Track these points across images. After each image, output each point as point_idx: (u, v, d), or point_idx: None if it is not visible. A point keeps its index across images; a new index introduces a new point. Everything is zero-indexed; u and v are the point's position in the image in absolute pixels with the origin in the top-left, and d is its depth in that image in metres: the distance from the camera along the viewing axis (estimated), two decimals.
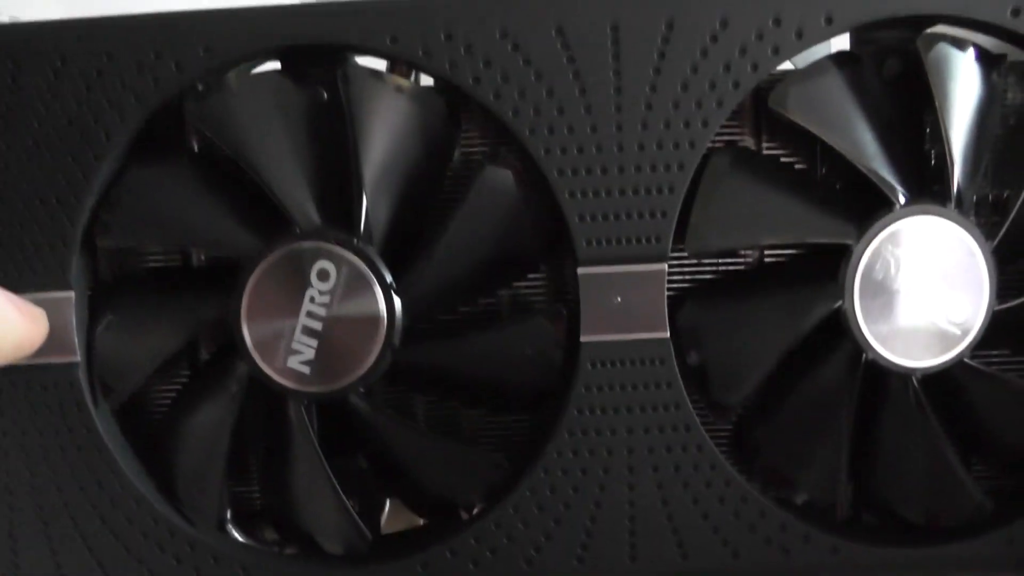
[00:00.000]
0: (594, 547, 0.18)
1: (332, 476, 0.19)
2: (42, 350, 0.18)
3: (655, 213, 0.18)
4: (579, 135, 0.18)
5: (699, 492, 0.18)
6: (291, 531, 0.20)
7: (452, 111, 0.20)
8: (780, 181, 0.20)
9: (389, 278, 0.18)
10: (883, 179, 0.19)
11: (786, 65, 0.19)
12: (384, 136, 0.19)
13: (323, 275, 0.18)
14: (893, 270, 0.18)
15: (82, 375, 0.18)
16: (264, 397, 0.19)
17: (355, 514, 0.19)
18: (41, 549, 0.18)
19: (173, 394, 0.21)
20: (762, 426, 0.20)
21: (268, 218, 0.19)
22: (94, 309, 0.19)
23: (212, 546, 0.19)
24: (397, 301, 0.18)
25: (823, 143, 0.19)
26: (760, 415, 0.20)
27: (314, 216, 0.19)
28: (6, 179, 0.18)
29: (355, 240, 0.18)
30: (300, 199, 0.19)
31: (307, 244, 0.18)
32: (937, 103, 0.18)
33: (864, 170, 0.19)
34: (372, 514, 0.21)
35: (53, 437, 0.18)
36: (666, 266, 0.18)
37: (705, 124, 0.17)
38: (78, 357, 0.18)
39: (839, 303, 0.18)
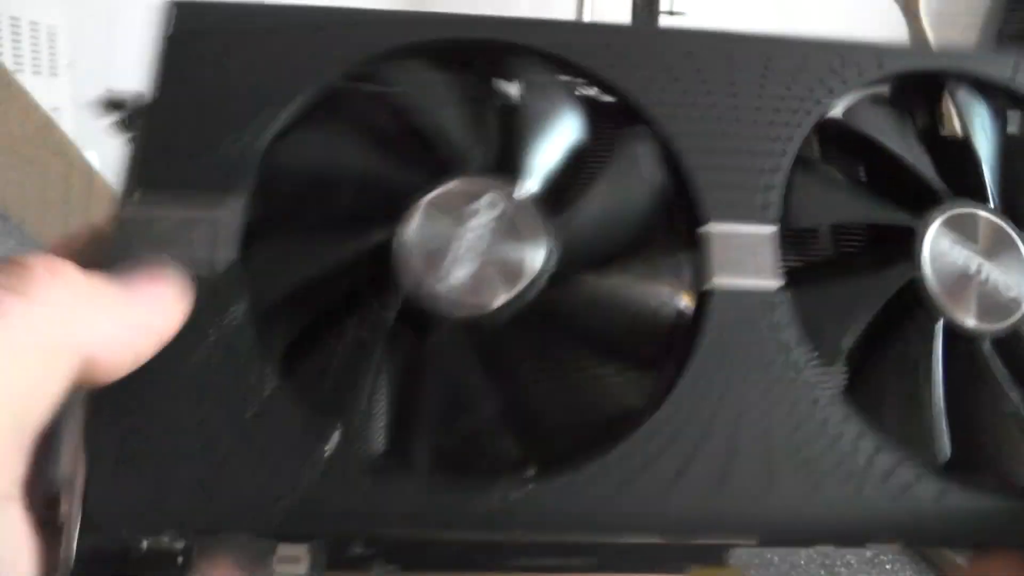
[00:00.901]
0: (734, 473, 0.20)
1: (479, 390, 0.20)
2: (202, 248, 0.20)
3: (767, 187, 0.22)
4: (707, 124, 0.23)
5: (815, 429, 0.20)
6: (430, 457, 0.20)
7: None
8: (849, 178, 0.25)
9: (544, 217, 0.21)
10: (932, 178, 0.24)
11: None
12: (542, 109, 0.23)
13: (481, 208, 0.20)
14: (951, 248, 0.22)
15: (237, 273, 0.20)
16: (414, 327, 0.20)
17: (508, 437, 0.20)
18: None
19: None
20: (854, 390, 0.22)
21: (432, 161, 0.21)
22: (261, 221, 0.21)
23: (348, 449, 0.19)
24: (549, 239, 0.21)
25: (871, 157, 0.24)
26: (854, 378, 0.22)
27: (477, 160, 0.21)
28: (202, 110, 0.21)
29: (517, 182, 0.21)
30: (465, 144, 0.22)
31: (469, 180, 0.21)
32: (967, 130, 0.24)
33: (915, 168, 0.23)
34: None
35: (194, 324, 0.19)
36: (777, 228, 0.22)
37: (799, 125, 0.23)
38: (235, 256, 0.20)
39: (915, 274, 0.22)
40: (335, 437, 0.19)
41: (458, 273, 0.20)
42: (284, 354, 0.20)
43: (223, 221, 0.20)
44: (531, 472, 0.20)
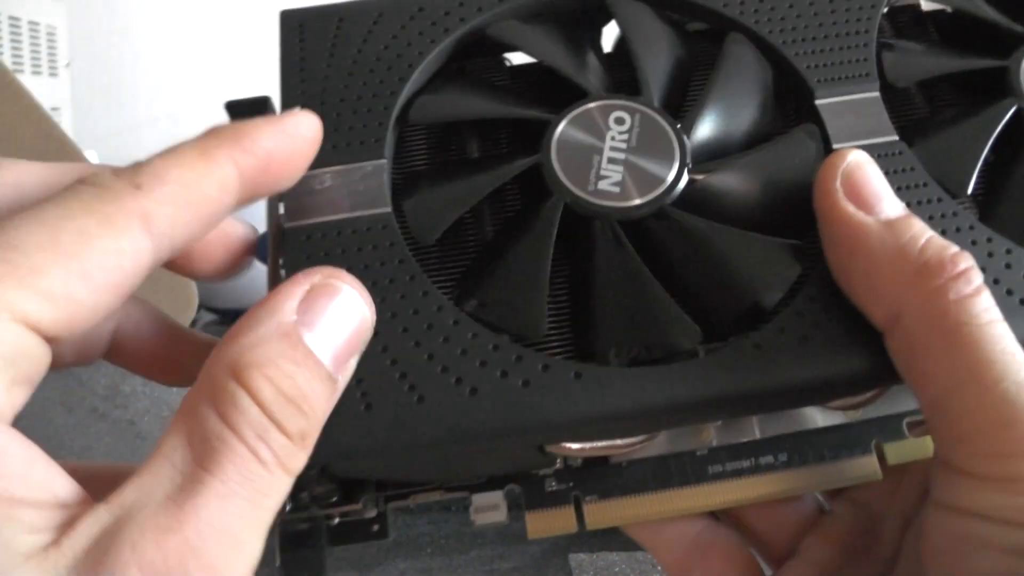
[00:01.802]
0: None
1: (654, 279, 0.21)
2: (358, 205, 0.22)
3: (861, 59, 0.24)
4: (795, 16, 0.25)
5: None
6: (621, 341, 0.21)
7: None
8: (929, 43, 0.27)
9: (672, 120, 0.22)
10: (1007, 22, 0.25)
11: None
12: (648, 28, 0.25)
13: (620, 121, 0.22)
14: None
15: (393, 221, 0.21)
16: (571, 231, 0.22)
17: (680, 311, 0.21)
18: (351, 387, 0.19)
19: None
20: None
21: (558, 101, 0.23)
22: (403, 179, 0.23)
23: (540, 356, 0.20)
24: (683, 136, 0.22)
25: (943, 28, 0.27)
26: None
27: (599, 88, 0.23)
28: (339, 84, 0.24)
29: (639, 98, 0.23)
30: (588, 78, 0.24)
31: (605, 100, 0.23)
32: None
33: (990, 16, 0.25)
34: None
35: (371, 274, 0.21)
36: (878, 92, 0.23)
37: (873, 5, 0.24)
38: (389, 208, 0.22)
39: (1020, 103, 0.23)
40: (525, 350, 0.20)
41: (604, 182, 0.21)
42: (458, 286, 0.21)
43: (372, 175, 0.22)
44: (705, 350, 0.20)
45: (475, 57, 0.25)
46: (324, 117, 0.22)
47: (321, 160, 0.21)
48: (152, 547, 0.14)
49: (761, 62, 0.24)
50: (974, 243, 0.21)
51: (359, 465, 0.20)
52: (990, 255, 0.21)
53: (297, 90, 0.24)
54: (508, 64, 0.26)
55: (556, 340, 0.21)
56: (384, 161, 0.22)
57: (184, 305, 0.58)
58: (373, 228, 0.21)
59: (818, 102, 0.23)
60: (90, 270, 0.15)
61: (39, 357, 0.15)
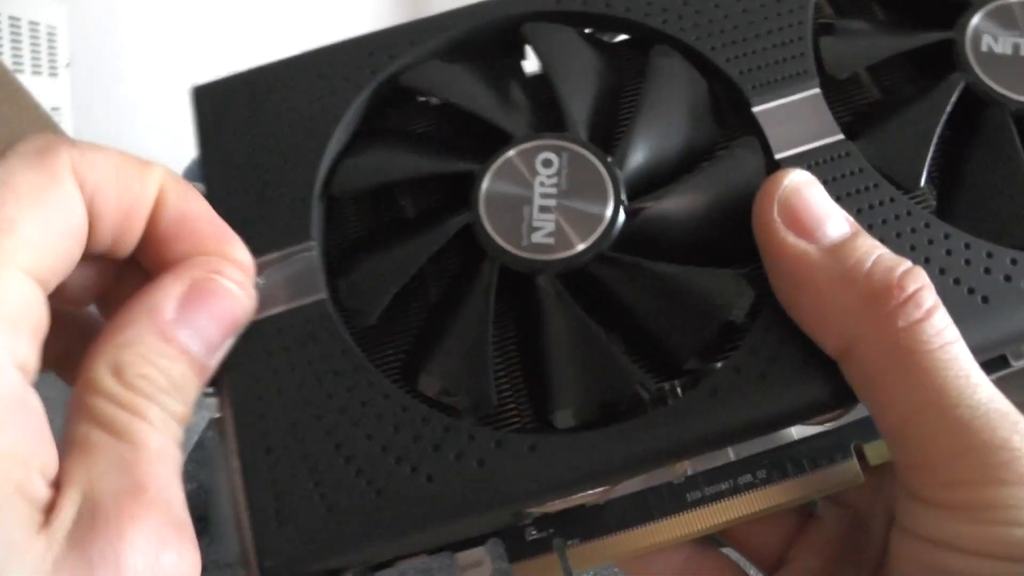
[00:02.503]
0: None
1: (601, 333, 0.20)
2: (294, 295, 0.21)
3: (796, 55, 0.22)
4: (721, 21, 0.23)
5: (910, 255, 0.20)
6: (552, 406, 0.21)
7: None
8: (871, 24, 0.25)
9: (602, 154, 0.21)
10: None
11: None
12: (568, 56, 0.23)
13: (547, 163, 0.21)
14: (995, 44, 0.22)
15: (330, 308, 0.21)
16: (513, 288, 0.21)
17: (631, 365, 0.20)
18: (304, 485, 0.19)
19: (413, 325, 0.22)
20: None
21: (484, 143, 0.22)
22: (336, 254, 0.23)
23: (492, 433, 0.19)
24: (615, 170, 0.21)
25: None
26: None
27: (524, 125, 0.22)
28: (257, 161, 0.22)
29: (566, 131, 0.22)
30: (510, 117, 0.23)
31: (528, 143, 0.22)
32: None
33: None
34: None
35: (315, 369, 0.20)
36: (818, 89, 0.22)
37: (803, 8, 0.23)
38: (324, 295, 0.21)
39: (967, 79, 0.22)
40: (477, 428, 0.20)
41: (538, 233, 0.21)
42: (404, 365, 0.21)
43: (301, 261, 0.21)
44: (673, 389, 0.20)
45: (396, 104, 0.24)
46: (247, 199, 0.22)
47: (253, 249, 0.21)
48: (127, 512, 0.16)
49: (691, 74, 0.23)
50: (931, 242, 0.20)
51: (331, 563, 0.19)
52: (948, 252, 0.20)
53: (215, 171, 0.22)
54: (431, 104, 0.24)
55: (512, 406, 0.21)
56: (312, 243, 0.21)
57: None
58: (311, 318, 0.21)
59: (755, 109, 0.22)
60: (52, 218, 0.17)
61: (42, 310, 0.17)
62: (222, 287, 0.19)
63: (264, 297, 0.21)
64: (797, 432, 0.23)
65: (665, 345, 0.20)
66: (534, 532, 0.22)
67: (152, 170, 0.19)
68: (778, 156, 0.21)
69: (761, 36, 0.23)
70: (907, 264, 0.18)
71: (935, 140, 0.22)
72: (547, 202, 0.21)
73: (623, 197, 0.21)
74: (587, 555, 0.22)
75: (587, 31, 0.24)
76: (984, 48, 0.22)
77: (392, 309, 0.21)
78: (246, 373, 0.20)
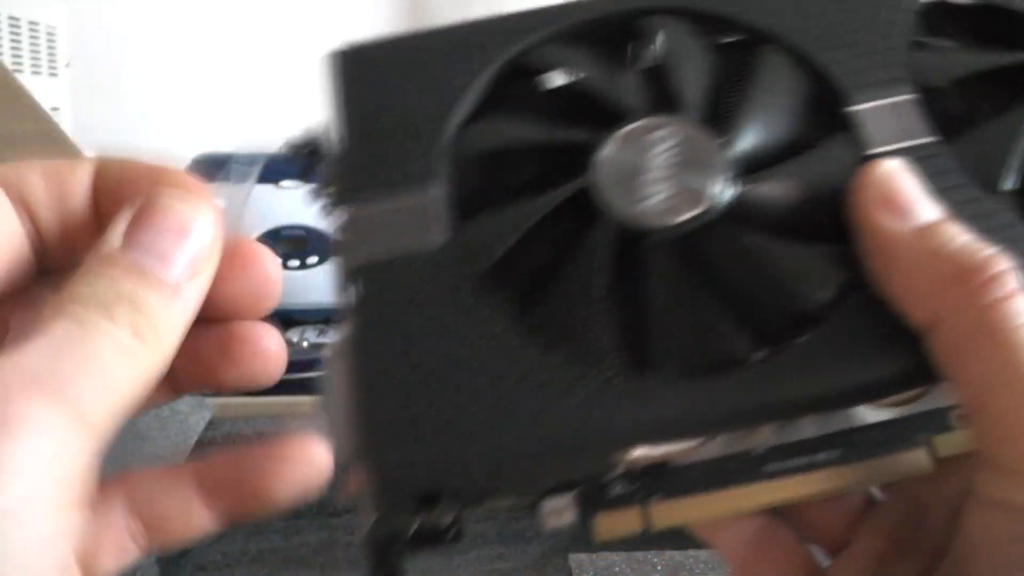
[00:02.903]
0: None
1: (704, 294, 0.21)
2: (414, 237, 0.22)
3: (893, 63, 0.24)
4: (826, 25, 0.25)
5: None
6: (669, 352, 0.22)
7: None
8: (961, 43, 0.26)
9: (714, 135, 0.23)
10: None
11: None
12: (684, 46, 0.25)
13: (663, 139, 0.23)
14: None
15: (452, 250, 0.22)
16: (622, 248, 0.22)
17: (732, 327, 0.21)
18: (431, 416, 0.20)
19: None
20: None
21: (598, 122, 0.24)
22: (456, 205, 0.23)
23: (602, 374, 0.21)
24: (725, 151, 0.22)
25: (977, 22, 0.26)
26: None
27: (639, 106, 0.24)
28: (388, 118, 0.24)
29: (676, 112, 0.23)
30: (627, 97, 0.24)
31: (646, 119, 0.23)
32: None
33: None
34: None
35: (435, 303, 0.21)
36: (912, 94, 0.23)
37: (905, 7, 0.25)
38: (445, 238, 0.22)
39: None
40: (589, 366, 0.20)
41: (652, 200, 0.22)
42: (515, 308, 0.22)
43: (429, 206, 0.23)
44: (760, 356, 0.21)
45: (513, 83, 0.26)
46: (376, 152, 0.23)
47: (375, 195, 0.23)
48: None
49: (795, 72, 0.24)
50: (1015, 241, 0.21)
51: (439, 483, 0.20)
52: None
53: (347, 126, 0.24)
54: (545, 88, 0.26)
55: (615, 355, 0.22)
56: (437, 191, 0.23)
57: None
58: (432, 259, 0.22)
59: (853, 108, 0.23)
60: None
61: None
62: (161, 203, 0.19)
63: (386, 235, 0.22)
64: (872, 416, 0.23)
65: (754, 317, 0.21)
66: (618, 486, 0.23)
67: (81, 161, 0.19)
68: (873, 151, 0.23)
69: (861, 42, 0.24)
70: (994, 247, 0.19)
71: (1021, 148, 0.23)
72: (661, 174, 0.22)
73: (732, 175, 0.22)
74: (668, 513, 0.23)
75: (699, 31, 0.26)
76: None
77: (502, 261, 0.22)
78: (369, 301, 0.22)
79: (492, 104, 0.25)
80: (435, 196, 0.23)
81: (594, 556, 0.42)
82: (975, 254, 0.19)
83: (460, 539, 0.22)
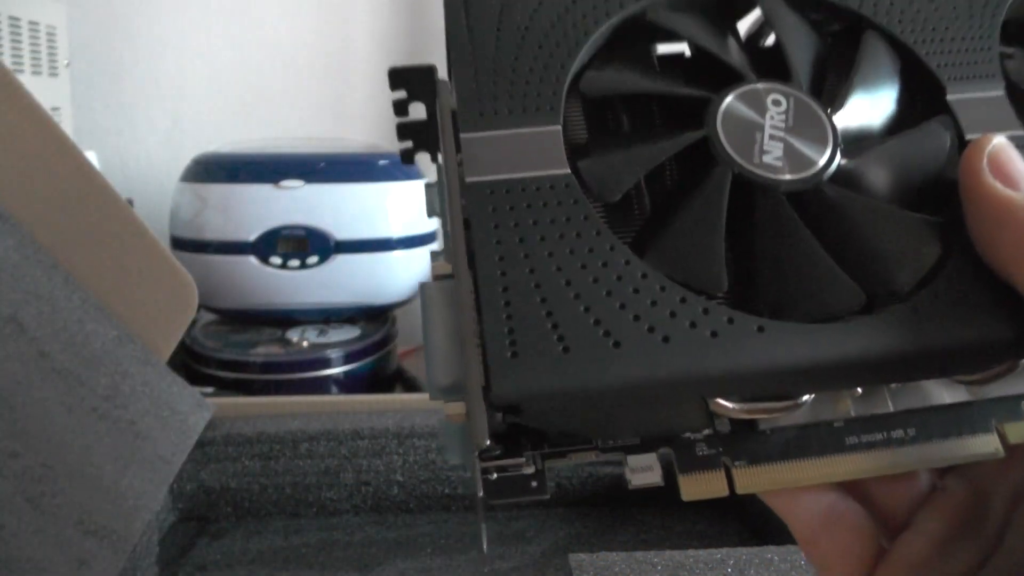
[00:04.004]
0: None
1: (819, 246, 0.22)
2: (538, 165, 0.23)
3: (991, 59, 0.25)
4: (927, 16, 0.26)
5: None
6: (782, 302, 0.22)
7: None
8: None
9: (824, 105, 0.24)
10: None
11: None
12: (792, 20, 0.26)
13: (777, 102, 0.24)
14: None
15: (575, 181, 0.23)
16: (739, 201, 0.23)
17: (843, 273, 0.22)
18: (548, 337, 0.20)
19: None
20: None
21: (711, 83, 0.25)
22: (573, 143, 0.24)
23: (726, 310, 0.21)
24: (834, 121, 0.24)
25: None
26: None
27: (750, 71, 0.25)
28: (509, 56, 0.25)
29: (790, 83, 0.25)
30: (741, 62, 0.25)
31: (762, 82, 0.24)
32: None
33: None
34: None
35: (558, 228, 0.22)
36: (1004, 92, 0.25)
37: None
38: (568, 169, 0.23)
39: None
40: (711, 303, 0.21)
41: (767, 156, 0.23)
42: (636, 245, 0.23)
43: (549, 139, 0.23)
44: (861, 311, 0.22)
45: (627, 40, 0.27)
46: (497, 85, 0.24)
47: (497, 123, 0.23)
48: None
49: (894, 59, 0.26)
50: None
51: (551, 406, 0.21)
52: None
53: (467, 61, 0.25)
54: (655, 53, 0.27)
55: (730, 299, 0.22)
56: (559, 127, 0.24)
57: (184, 305, 0.58)
58: (556, 186, 0.23)
59: (950, 97, 0.25)
60: None
61: None
62: None
63: (509, 160, 0.23)
64: (948, 396, 0.24)
65: (869, 271, 0.22)
66: (704, 448, 0.24)
67: None
68: (968, 137, 0.24)
69: (957, 39, 0.26)
70: None
71: None
72: (776, 132, 0.23)
73: (840, 144, 0.23)
74: (751, 478, 0.24)
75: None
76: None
77: (629, 194, 0.23)
78: (490, 222, 0.22)
79: (606, 57, 0.26)
80: (554, 130, 0.23)
81: (594, 556, 0.42)
82: None
83: (545, 491, 0.23)
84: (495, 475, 0.23)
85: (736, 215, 0.23)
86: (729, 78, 0.25)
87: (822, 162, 0.23)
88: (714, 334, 0.21)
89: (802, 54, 0.26)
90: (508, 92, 0.24)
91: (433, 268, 0.23)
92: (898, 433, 0.24)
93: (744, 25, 0.29)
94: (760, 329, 0.21)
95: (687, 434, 0.24)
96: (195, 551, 0.56)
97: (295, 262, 0.81)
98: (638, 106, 0.26)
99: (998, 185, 0.21)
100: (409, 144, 0.28)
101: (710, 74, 0.25)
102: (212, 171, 0.83)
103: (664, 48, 0.27)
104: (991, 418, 0.24)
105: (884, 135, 0.25)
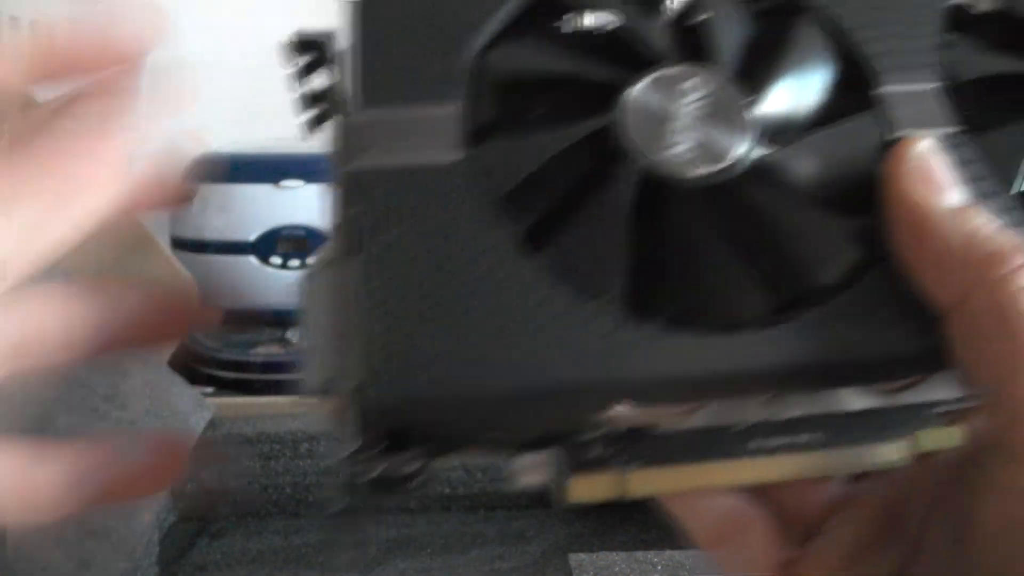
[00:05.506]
0: None
1: (725, 246, 0.21)
2: (430, 149, 0.22)
3: (929, 48, 0.24)
4: (870, 4, 0.25)
5: None
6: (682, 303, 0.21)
7: None
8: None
9: (746, 93, 0.22)
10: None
11: None
12: (723, 4, 0.24)
13: (694, 88, 0.22)
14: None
15: (468, 168, 0.21)
16: (645, 196, 0.22)
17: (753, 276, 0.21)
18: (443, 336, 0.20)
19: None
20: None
21: (627, 66, 0.23)
22: (473, 128, 0.23)
23: (620, 315, 0.20)
24: (755, 110, 0.22)
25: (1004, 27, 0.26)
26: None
27: (671, 53, 0.23)
28: (411, 27, 0.23)
29: (712, 64, 0.23)
30: (661, 43, 0.23)
31: (680, 65, 0.22)
32: None
33: None
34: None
35: (447, 220, 0.21)
36: (941, 85, 0.23)
37: None
38: (463, 155, 0.21)
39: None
40: (603, 304, 0.20)
41: (677, 148, 0.22)
42: (531, 240, 0.21)
43: (444, 122, 0.22)
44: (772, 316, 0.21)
45: (543, 15, 0.25)
46: (390, 62, 0.23)
47: (388, 104, 0.22)
48: None
49: (829, 45, 0.24)
50: None
51: (431, 409, 0.20)
52: None
53: (360, 35, 0.23)
54: (573, 28, 0.26)
55: (623, 302, 0.21)
56: (456, 107, 0.22)
57: None
58: (446, 174, 0.21)
59: (883, 89, 0.23)
60: None
61: None
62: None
63: (400, 143, 0.22)
64: (859, 402, 0.23)
65: (778, 275, 0.21)
66: (598, 449, 0.23)
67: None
68: (899, 133, 0.23)
69: (897, 26, 0.24)
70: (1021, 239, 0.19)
71: None
72: (687, 123, 0.22)
73: (759, 135, 0.22)
74: (646, 481, 0.23)
75: None
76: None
77: (524, 185, 0.22)
78: (371, 210, 0.21)
79: (518, 32, 0.24)
80: (452, 112, 0.22)
81: (594, 556, 0.42)
82: (1007, 241, 0.19)
83: (426, 488, 0.22)
84: (372, 474, 0.21)
85: (642, 211, 0.22)
86: (648, 60, 0.23)
87: (738, 154, 0.22)
88: (605, 337, 0.20)
89: (728, 35, 0.24)
90: (402, 71, 0.23)
91: (316, 261, 0.22)
92: (805, 438, 0.23)
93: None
94: (654, 336, 0.20)
95: (580, 434, 0.23)
96: (195, 551, 0.56)
97: (295, 262, 0.81)
98: (550, 88, 0.24)
99: (921, 192, 0.20)
100: (314, 113, 0.26)
101: (629, 54, 0.23)
102: (212, 171, 0.83)
103: (593, 19, 0.25)
104: (904, 425, 0.23)
105: (811, 127, 0.24)
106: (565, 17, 0.25)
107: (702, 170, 0.21)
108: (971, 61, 0.25)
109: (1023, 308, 0.18)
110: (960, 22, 0.26)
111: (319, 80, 0.25)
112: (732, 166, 0.22)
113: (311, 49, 0.25)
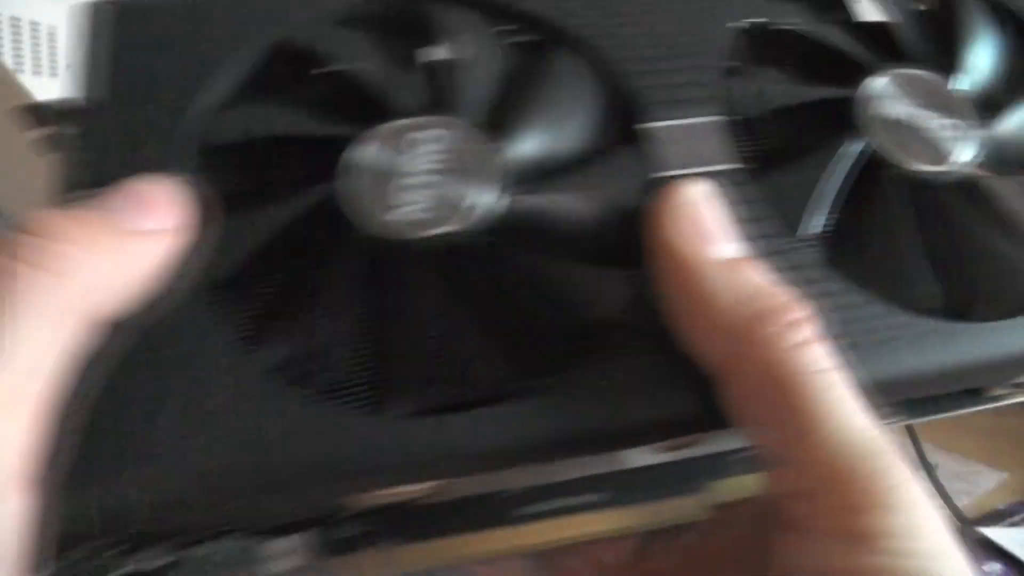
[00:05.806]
0: None
1: (463, 317, 0.20)
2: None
3: (704, 83, 0.22)
4: (634, 34, 0.23)
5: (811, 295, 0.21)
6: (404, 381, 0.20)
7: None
8: (780, 70, 0.26)
9: (491, 139, 0.20)
10: (858, 51, 0.25)
11: None
12: (470, 40, 0.23)
13: (431, 140, 0.20)
14: (894, 107, 0.23)
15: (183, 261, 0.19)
16: (373, 262, 0.20)
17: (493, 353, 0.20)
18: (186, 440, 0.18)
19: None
20: None
21: (369, 118, 0.21)
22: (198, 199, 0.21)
23: (336, 405, 0.19)
24: (502, 156, 0.20)
25: (796, 48, 0.26)
26: None
27: (415, 103, 0.21)
28: (132, 88, 0.22)
29: (452, 112, 0.21)
30: (401, 93, 0.22)
31: (413, 117, 0.21)
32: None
33: (838, 45, 0.25)
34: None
35: (158, 327, 0.19)
36: (722, 118, 0.22)
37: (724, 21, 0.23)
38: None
39: (863, 139, 0.22)
40: (322, 399, 0.18)
41: (410, 208, 0.20)
42: (251, 323, 0.20)
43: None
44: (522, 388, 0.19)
45: (283, 67, 0.23)
46: (107, 132, 0.21)
47: (102, 180, 0.19)
48: None
49: (591, 76, 0.22)
50: (812, 282, 0.20)
51: (155, 518, 0.18)
52: (828, 294, 0.20)
53: (90, 89, 0.22)
54: (315, 73, 0.23)
55: (357, 383, 0.20)
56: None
57: None
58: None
59: (653, 124, 0.22)
60: None
61: None
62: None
63: None
64: (648, 457, 0.22)
65: (526, 341, 0.19)
66: (354, 527, 0.21)
67: None
68: (670, 173, 0.21)
69: (671, 58, 0.22)
70: (795, 294, 0.18)
71: (829, 191, 0.22)
72: (423, 179, 0.20)
73: (506, 183, 0.20)
74: (407, 556, 0.22)
75: (495, 27, 0.24)
76: (878, 111, 0.22)
77: (243, 271, 0.20)
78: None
79: (256, 89, 0.22)
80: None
81: None
82: (776, 297, 0.18)
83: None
84: (129, 569, 0.20)
85: (373, 282, 0.20)
86: (389, 111, 0.21)
87: (482, 207, 0.20)
88: (322, 433, 0.18)
89: (475, 80, 0.22)
90: (118, 142, 0.21)
91: None
92: (589, 498, 0.22)
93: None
94: (378, 425, 0.18)
95: (331, 516, 0.21)
96: None
97: None
98: (280, 148, 0.22)
99: (686, 244, 0.18)
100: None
101: (371, 105, 0.21)
102: None
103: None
104: (697, 477, 0.22)
105: (572, 167, 0.22)
106: (314, 70, 0.23)
107: (431, 231, 0.20)
108: (769, 90, 0.23)
109: (793, 369, 0.17)
110: (757, 45, 0.25)
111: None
112: (471, 223, 0.20)
113: (47, 118, 0.24)
